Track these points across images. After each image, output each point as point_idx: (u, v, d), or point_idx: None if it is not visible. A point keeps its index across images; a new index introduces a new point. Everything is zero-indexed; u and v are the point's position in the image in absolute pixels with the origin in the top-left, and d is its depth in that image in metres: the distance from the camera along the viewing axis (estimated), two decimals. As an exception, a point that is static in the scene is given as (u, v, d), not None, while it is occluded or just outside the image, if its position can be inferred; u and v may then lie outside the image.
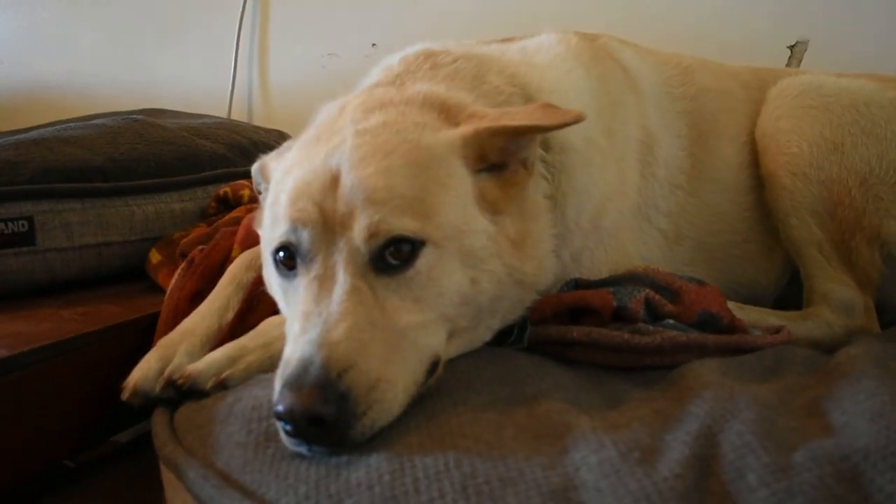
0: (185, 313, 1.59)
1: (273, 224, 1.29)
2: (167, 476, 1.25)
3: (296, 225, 1.21)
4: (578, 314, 1.42)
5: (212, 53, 3.53)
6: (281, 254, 1.25)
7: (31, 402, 1.47)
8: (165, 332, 1.55)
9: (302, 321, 1.14)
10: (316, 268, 1.19)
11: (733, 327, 1.44)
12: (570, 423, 1.09)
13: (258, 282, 1.54)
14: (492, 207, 1.31)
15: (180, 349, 1.45)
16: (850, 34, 2.56)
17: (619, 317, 1.40)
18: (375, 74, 1.58)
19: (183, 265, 1.75)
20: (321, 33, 3.35)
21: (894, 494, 0.87)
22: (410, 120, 1.30)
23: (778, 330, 1.49)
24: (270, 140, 2.67)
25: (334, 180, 1.21)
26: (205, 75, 3.54)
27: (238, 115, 3.46)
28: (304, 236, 1.21)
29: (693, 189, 1.76)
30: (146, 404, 1.40)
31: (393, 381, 1.11)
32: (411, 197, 1.21)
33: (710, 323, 1.43)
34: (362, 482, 1.01)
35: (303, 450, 1.08)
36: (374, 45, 3.23)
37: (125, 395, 1.39)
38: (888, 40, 2.52)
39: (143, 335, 1.67)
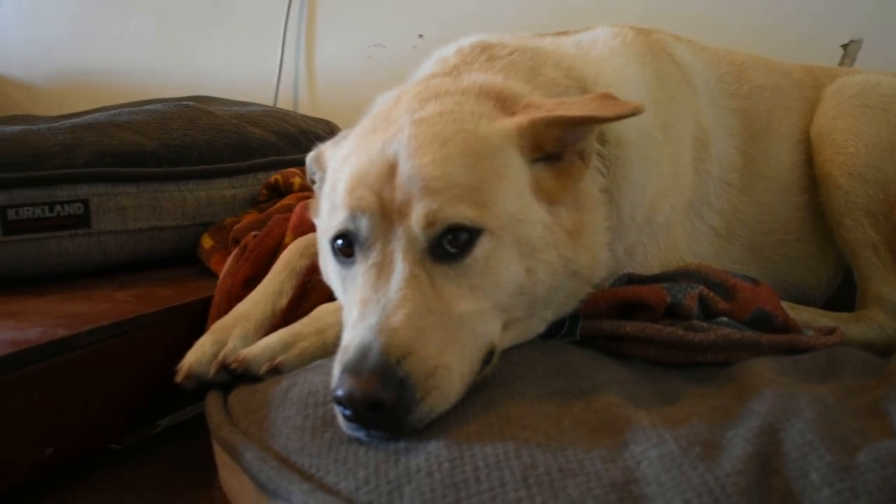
0: (239, 298, 1.60)
1: (331, 213, 1.29)
2: (221, 458, 1.26)
3: (354, 213, 1.22)
4: (631, 309, 1.42)
5: (259, 43, 3.55)
6: (339, 242, 1.26)
7: (87, 382, 1.48)
8: (218, 317, 1.57)
9: (360, 308, 1.15)
10: (374, 255, 1.19)
11: (787, 327, 1.43)
12: (629, 417, 1.09)
13: (312, 269, 1.55)
14: (548, 198, 1.30)
15: (234, 333, 1.46)
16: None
17: (673, 313, 1.39)
18: (430, 66, 1.58)
19: (236, 251, 1.76)
20: (368, 24, 3.35)
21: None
22: (467, 109, 1.30)
23: (831, 331, 1.48)
24: (318, 129, 2.69)
25: (392, 169, 1.21)
26: (251, 64, 3.56)
27: (283, 104, 3.48)
28: (363, 224, 1.21)
29: (745, 187, 1.75)
30: (199, 387, 1.42)
31: (450, 369, 1.11)
32: (468, 185, 1.20)
33: (764, 321, 1.42)
34: (422, 468, 1.01)
35: (360, 435, 1.09)
36: (420, 35, 3.23)
37: (179, 378, 1.41)
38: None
39: (195, 319, 1.69)
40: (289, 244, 1.75)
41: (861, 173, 1.69)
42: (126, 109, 2.28)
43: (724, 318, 1.40)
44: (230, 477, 1.23)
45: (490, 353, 1.22)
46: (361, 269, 1.21)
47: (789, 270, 1.84)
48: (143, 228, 1.98)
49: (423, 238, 1.18)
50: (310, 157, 1.56)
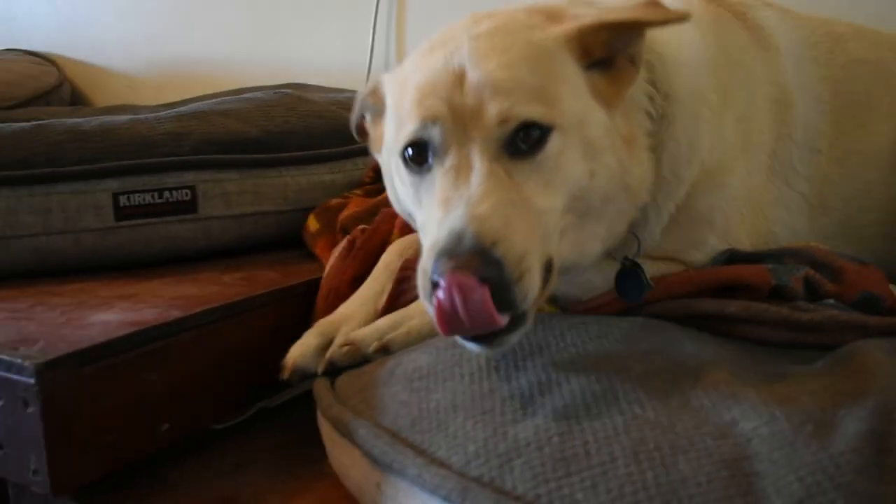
0: (345, 296, 1.64)
1: (399, 127, 1.33)
2: (331, 436, 1.29)
3: (425, 122, 1.25)
4: (733, 290, 1.41)
5: (350, 29, 3.58)
6: (410, 150, 1.29)
7: (199, 361, 1.53)
8: (324, 312, 1.62)
9: (443, 206, 1.18)
10: (451, 159, 1.23)
11: (895, 310, 1.40)
12: (738, 394, 1.08)
13: (405, 266, 1.59)
14: (605, 102, 1.33)
15: (341, 331, 1.51)
16: None
17: (778, 295, 1.38)
18: None
19: (344, 245, 1.79)
20: (457, 11, 3.34)
21: None
22: (520, 22, 1.33)
23: None
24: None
25: (458, 78, 1.24)
26: (342, 51, 3.59)
27: (374, 90, 3.51)
28: (436, 131, 1.24)
29: (837, 157, 1.71)
30: (304, 379, 1.47)
31: (536, 256, 1.15)
32: (535, 86, 1.24)
33: (872, 304, 1.39)
34: (531, 442, 1.03)
35: (468, 341, 1.15)
36: (512, 21, 3.22)
37: (286, 374, 1.46)
38: None
39: (300, 301, 1.73)
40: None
41: None
42: (228, 98, 2.34)
43: (831, 301, 1.38)
44: (342, 454, 1.26)
45: (549, 266, 1.23)
46: (439, 173, 1.24)
47: (888, 249, 1.78)
48: (246, 213, 2.03)
49: (499, 135, 1.21)
50: (361, 95, 1.58)
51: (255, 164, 2.05)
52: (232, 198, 2.00)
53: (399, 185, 1.40)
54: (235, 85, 3.11)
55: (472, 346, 1.16)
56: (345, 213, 1.99)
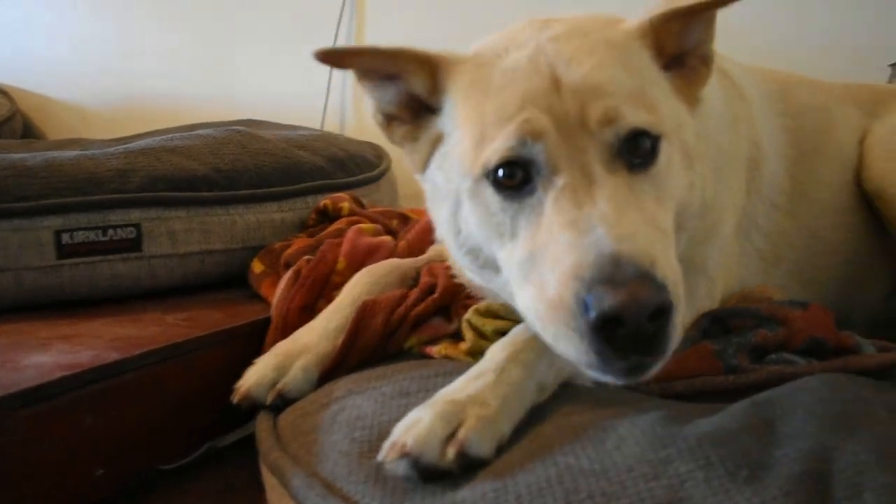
0: (294, 325, 1.62)
1: (479, 142, 1.18)
2: (269, 480, 1.27)
3: (525, 138, 1.12)
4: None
5: (307, 66, 3.54)
6: (500, 172, 1.14)
7: (138, 404, 1.51)
8: (274, 342, 1.58)
9: (570, 228, 1.05)
10: (564, 177, 1.10)
11: (841, 349, 1.41)
12: (674, 435, 1.06)
13: (366, 307, 1.54)
14: (687, 102, 1.28)
15: (297, 364, 1.47)
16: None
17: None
18: None
19: (290, 276, 1.78)
20: (415, 45, 3.36)
21: None
22: (589, 25, 1.25)
23: (889, 348, 1.46)
24: (365, 153, 2.72)
25: (554, 83, 1.14)
26: (299, 86, 3.58)
27: (330, 127, 3.51)
28: (539, 148, 1.11)
29: (792, 210, 1.72)
30: (253, 408, 1.44)
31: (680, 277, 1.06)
32: (634, 88, 1.16)
33: (818, 348, 1.40)
34: (467, 499, 1.02)
35: (617, 370, 1.02)
36: (467, 60, 3.24)
37: (236, 398, 1.43)
38: None
39: (245, 342, 1.71)
40: (341, 269, 1.77)
41: None
42: (178, 134, 2.32)
43: (773, 356, 1.38)
44: (278, 501, 1.24)
45: None
46: (550, 196, 1.11)
47: (838, 290, 1.80)
48: (192, 252, 2.01)
49: (613, 144, 1.11)
50: (396, 65, 1.31)
51: (203, 202, 2.03)
52: (178, 236, 1.98)
53: (471, 213, 1.22)
54: (190, 119, 3.09)
55: (611, 378, 1.05)
56: (288, 251, 1.97)
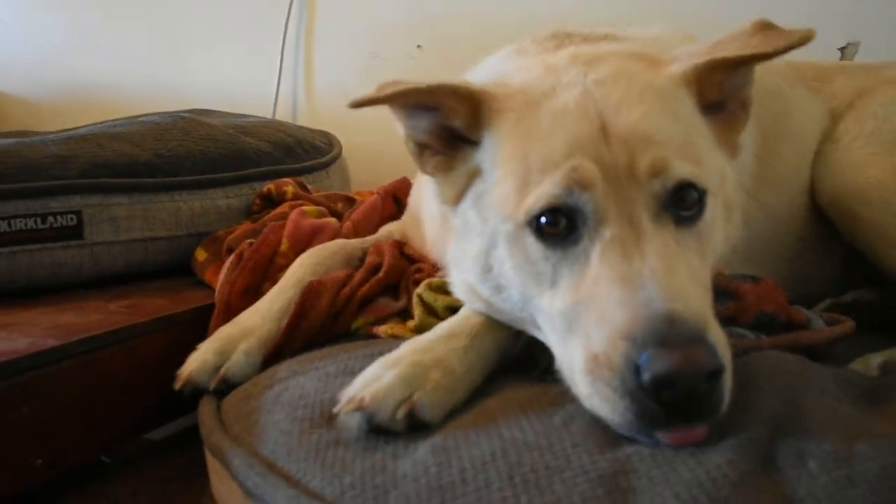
0: (238, 308, 1.59)
1: (522, 186, 1.12)
2: (213, 465, 1.26)
3: (572, 186, 1.07)
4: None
5: (257, 55, 3.54)
6: (544, 219, 1.09)
7: (78, 393, 1.47)
8: (218, 328, 1.55)
9: (620, 284, 1.00)
10: (611, 228, 1.06)
11: (791, 324, 1.41)
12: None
13: (312, 287, 1.52)
14: (728, 151, 1.24)
15: (239, 348, 1.45)
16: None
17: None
18: (511, 58, 1.47)
19: (232, 259, 1.75)
20: (366, 35, 3.34)
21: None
22: (635, 67, 1.21)
23: (838, 321, 1.46)
24: (316, 140, 2.69)
25: (602, 130, 1.09)
26: (250, 77, 3.55)
27: (282, 116, 3.47)
28: (587, 197, 1.07)
29: (755, 192, 1.71)
30: (197, 394, 1.41)
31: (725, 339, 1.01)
32: (682, 139, 1.12)
33: (768, 322, 1.39)
34: (408, 474, 1.00)
35: (663, 434, 0.96)
36: (419, 46, 3.22)
37: (178, 384, 1.40)
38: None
39: (188, 328, 1.67)
40: (285, 251, 1.75)
41: (879, 198, 1.66)
42: (121, 121, 2.29)
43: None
44: (220, 483, 1.23)
45: None
46: (598, 247, 1.06)
47: (789, 267, 1.81)
48: (136, 239, 1.97)
49: (661, 195, 1.07)
50: (433, 93, 1.21)
51: (146, 188, 1.99)
52: (121, 223, 1.94)
53: (508, 257, 1.16)
54: (142, 110, 3.03)
55: (655, 440, 0.98)
56: (230, 236, 1.94)
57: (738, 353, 1.25)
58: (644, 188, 1.07)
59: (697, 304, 0.99)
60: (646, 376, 0.92)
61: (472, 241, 1.22)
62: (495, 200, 1.17)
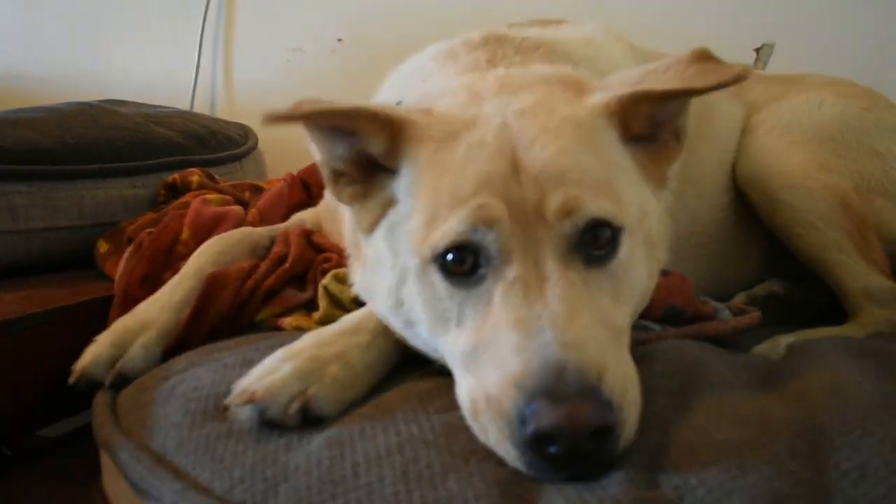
0: (136, 298, 1.54)
1: (431, 220, 1.08)
2: (105, 460, 1.21)
3: (477, 224, 1.03)
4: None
5: (175, 46, 3.47)
6: (449, 256, 1.06)
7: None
8: (117, 318, 1.49)
9: (518, 328, 0.98)
10: (514, 268, 1.03)
11: (697, 317, 1.42)
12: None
13: (215, 278, 1.48)
14: (652, 183, 1.21)
15: (137, 341, 1.40)
16: (809, 37, 2.59)
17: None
18: (430, 60, 1.46)
19: (131, 248, 1.70)
20: (287, 28, 3.30)
21: (850, 472, 0.85)
22: (559, 97, 1.17)
23: (744, 311, 1.48)
24: (230, 131, 2.64)
25: (513, 166, 1.06)
26: (167, 68, 3.47)
27: (200, 109, 3.40)
28: (492, 236, 1.03)
29: (678, 192, 1.69)
30: (92, 389, 1.36)
31: (634, 384, 0.99)
32: (599, 177, 1.08)
33: (675, 316, 1.40)
34: (300, 466, 0.98)
35: (558, 475, 0.92)
36: (339, 40, 3.19)
37: (72, 379, 1.35)
38: (842, 42, 2.57)
39: (88, 320, 1.62)
40: (186, 239, 1.70)
41: (802, 183, 1.68)
42: (25, 109, 2.21)
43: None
44: (110, 479, 1.19)
45: None
46: (500, 287, 1.03)
47: (707, 269, 1.82)
48: (36, 229, 1.90)
49: (571, 233, 1.04)
50: (347, 117, 1.16)
51: (47, 175, 1.92)
52: (19, 212, 1.86)
53: (417, 293, 1.12)
54: (54, 100, 2.96)
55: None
56: (132, 227, 1.89)
57: (643, 344, 1.26)
58: (553, 229, 1.03)
59: (595, 351, 0.94)
60: (529, 429, 0.89)
61: (384, 273, 1.18)
62: (405, 234, 1.13)
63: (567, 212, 1.03)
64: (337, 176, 1.22)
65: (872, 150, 1.75)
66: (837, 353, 1.15)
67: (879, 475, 0.84)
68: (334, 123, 1.16)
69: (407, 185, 1.14)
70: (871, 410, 0.93)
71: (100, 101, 2.66)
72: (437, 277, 1.08)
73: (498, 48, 1.43)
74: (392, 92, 1.42)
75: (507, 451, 0.93)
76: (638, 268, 1.12)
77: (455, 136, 1.11)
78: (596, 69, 1.44)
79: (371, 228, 1.20)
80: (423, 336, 1.14)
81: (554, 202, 1.03)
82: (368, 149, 1.16)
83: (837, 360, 1.11)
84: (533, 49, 1.44)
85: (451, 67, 1.41)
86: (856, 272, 1.64)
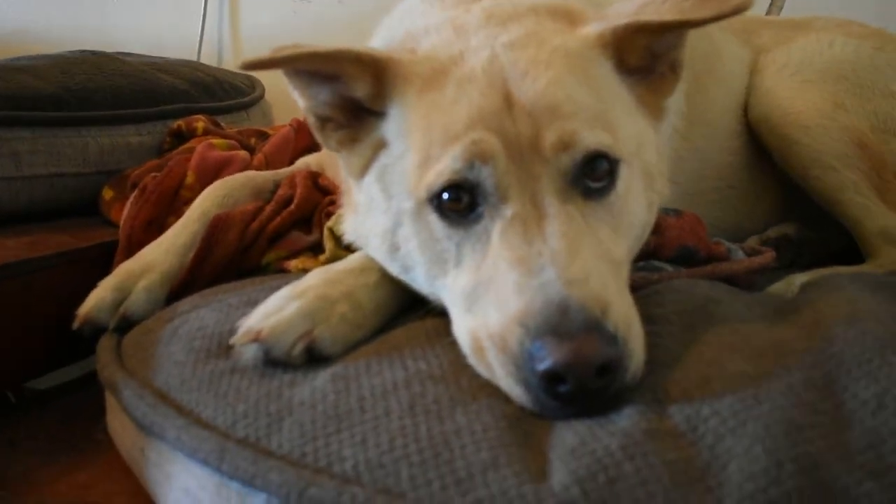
0: (141, 243, 1.52)
1: (424, 161, 1.06)
2: (109, 400, 1.21)
3: (473, 160, 1.01)
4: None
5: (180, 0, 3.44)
6: (445, 196, 1.04)
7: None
8: (122, 262, 1.48)
9: (519, 267, 0.96)
10: (513, 206, 1.01)
11: (710, 257, 1.40)
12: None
13: (220, 220, 1.46)
14: (651, 116, 1.19)
15: (140, 284, 1.38)
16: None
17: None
18: (425, 3, 1.39)
19: (135, 193, 1.68)
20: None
21: (869, 401, 0.83)
22: (549, 28, 1.14)
23: (758, 252, 1.46)
24: (237, 81, 2.62)
25: (506, 100, 1.04)
26: (173, 23, 3.46)
27: (207, 62, 3.38)
28: (488, 171, 1.01)
29: (687, 133, 1.69)
30: (97, 333, 1.34)
31: (636, 318, 0.97)
32: (594, 108, 1.06)
33: (688, 256, 1.37)
34: (305, 401, 0.96)
35: (567, 412, 0.90)
36: (347, -9, 3.16)
37: (76, 324, 1.34)
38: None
39: (93, 265, 1.60)
40: (190, 184, 1.69)
41: (818, 123, 1.65)
42: (28, 56, 2.19)
43: (642, 263, 1.35)
44: (114, 418, 1.19)
45: None
46: (499, 225, 1.01)
47: (719, 215, 1.79)
48: (39, 175, 1.88)
49: (568, 168, 1.01)
50: (329, 59, 1.13)
51: (51, 122, 1.90)
52: (23, 158, 1.84)
53: (413, 235, 1.10)
54: (59, 53, 2.95)
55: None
56: (136, 172, 1.87)
57: (654, 284, 1.24)
58: (550, 163, 1.01)
59: (599, 287, 0.93)
60: (538, 367, 0.88)
61: (377, 218, 1.16)
62: (398, 176, 1.11)
63: (564, 146, 1.01)
64: (323, 122, 1.20)
65: (887, 89, 1.72)
66: (854, 286, 1.13)
67: (899, 403, 0.82)
68: (315, 68, 1.13)
69: (397, 126, 1.12)
70: (890, 340, 0.91)
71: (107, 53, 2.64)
72: (433, 218, 1.06)
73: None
74: (382, 36, 1.39)
75: (513, 388, 0.92)
76: (636, 200, 1.10)
77: (443, 73, 1.09)
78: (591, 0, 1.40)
79: (362, 173, 1.18)
80: (420, 280, 1.12)
81: (550, 136, 1.01)
82: (353, 92, 1.14)
83: (854, 292, 1.09)
84: None
85: (436, 5, 1.36)
86: (874, 213, 1.61)
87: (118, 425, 1.16)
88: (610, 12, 1.17)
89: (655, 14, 1.09)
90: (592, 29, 1.13)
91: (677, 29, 1.15)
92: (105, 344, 1.29)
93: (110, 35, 3.53)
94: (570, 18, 1.18)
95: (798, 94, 1.70)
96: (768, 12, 2.54)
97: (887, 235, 1.60)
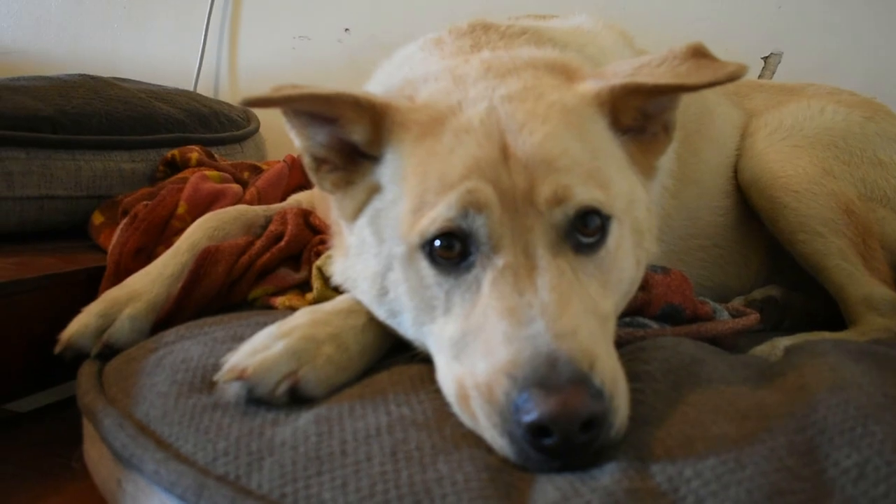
0: (129, 270, 1.52)
1: (418, 207, 1.06)
2: (87, 428, 1.20)
3: (467, 209, 1.02)
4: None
5: (181, 30, 3.46)
6: (438, 243, 1.04)
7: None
8: (108, 289, 1.47)
9: (509, 317, 0.96)
10: (504, 255, 1.01)
11: (696, 317, 1.40)
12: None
13: (208, 253, 1.46)
14: (641, 173, 1.20)
15: (125, 312, 1.37)
16: (815, 46, 2.58)
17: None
18: (418, 50, 1.44)
19: (126, 220, 1.68)
20: (293, 15, 3.29)
21: (850, 470, 0.84)
22: (547, 83, 1.15)
23: (743, 313, 1.47)
24: (233, 113, 2.63)
25: (502, 151, 1.05)
26: (172, 52, 3.46)
27: (203, 93, 3.39)
28: (481, 221, 1.02)
29: (676, 191, 1.71)
30: (78, 358, 1.34)
31: (622, 373, 0.97)
32: (589, 164, 1.07)
33: (674, 315, 1.38)
34: (287, 442, 0.96)
35: (553, 465, 0.90)
36: (346, 29, 3.17)
37: (58, 348, 1.33)
38: (848, 53, 2.55)
39: (79, 289, 1.61)
40: (182, 214, 1.68)
41: (807, 188, 1.68)
42: (27, 76, 2.19)
43: (627, 319, 1.35)
44: (92, 447, 1.18)
45: None
46: (490, 275, 1.01)
47: (707, 275, 1.82)
48: (31, 196, 1.88)
49: (560, 221, 1.03)
50: (327, 104, 1.14)
51: (45, 143, 1.91)
52: (15, 178, 1.84)
53: (403, 281, 1.10)
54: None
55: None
56: (127, 199, 1.87)
57: (639, 341, 1.24)
58: (543, 216, 1.02)
59: (587, 341, 0.93)
60: (524, 418, 0.88)
61: (367, 261, 1.16)
62: (392, 221, 1.11)
63: (558, 200, 1.02)
64: (318, 163, 1.21)
65: (875, 158, 1.76)
66: (838, 353, 1.13)
67: (880, 474, 0.82)
68: (314, 109, 1.14)
69: (392, 172, 1.13)
70: (873, 409, 0.92)
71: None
72: (424, 264, 1.06)
73: (483, 35, 1.42)
74: (381, 80, 1.41)
75: (497, 439, 0.92)
76: (626, 256, 1.12)
77: (441, 122, 1.10)
78: (585, 55, 1.43)
79: (355, 216, 1.18)
80: (407, 325, 1.12)
81: (545, 190, 1.02)
82: (350, 136, 1.15)
83: (838, 359, 1.09)
84: (518, 35, 1.43)
85: (436, 54, 1.39)
86: (858, 280, 1.63)
87: (95, 454, 1.15)
88: (607, 71, 1.18)
89: (651, 76, 1.11)
90: (589, 86, 1.14)
91: (672, 93, 1.17)
92: (86, 370, 1.28)
93: (109, 63, 3.54)
94: (568, 74, 1.19)
95: (788, 159, 1.73)
96: (761, 76, 2.58)
97: (870, 303, 1.61)
